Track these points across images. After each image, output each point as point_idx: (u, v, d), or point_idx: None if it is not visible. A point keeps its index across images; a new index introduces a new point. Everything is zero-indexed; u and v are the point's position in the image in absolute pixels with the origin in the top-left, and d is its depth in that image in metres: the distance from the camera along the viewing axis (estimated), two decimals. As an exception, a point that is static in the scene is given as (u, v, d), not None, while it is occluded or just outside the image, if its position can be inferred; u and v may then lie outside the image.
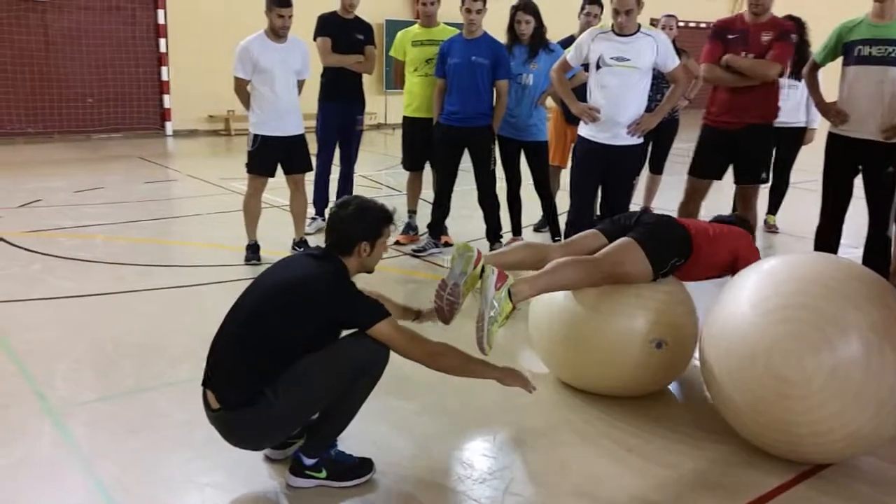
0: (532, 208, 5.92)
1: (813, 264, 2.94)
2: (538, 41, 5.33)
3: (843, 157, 4.47)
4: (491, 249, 5.55)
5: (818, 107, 4.68)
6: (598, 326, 3.27)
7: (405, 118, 5.87)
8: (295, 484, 2.70)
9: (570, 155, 5.00)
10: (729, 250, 3.52)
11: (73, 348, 3.85)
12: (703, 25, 8.70)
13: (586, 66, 4.67)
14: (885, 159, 4.34)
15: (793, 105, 5.92)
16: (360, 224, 2.66)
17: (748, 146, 4.73)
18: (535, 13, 5.31)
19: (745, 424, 2.90)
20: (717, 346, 2.90)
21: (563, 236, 5.18)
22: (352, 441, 2.89)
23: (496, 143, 5.46)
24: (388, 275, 5.22)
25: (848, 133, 4.41)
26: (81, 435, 3.02)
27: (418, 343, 2.66)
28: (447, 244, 5.87)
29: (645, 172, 6.30)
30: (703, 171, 4.95)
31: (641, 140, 4.67)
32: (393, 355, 2.68)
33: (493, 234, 5.58)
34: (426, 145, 5.65)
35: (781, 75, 4.79)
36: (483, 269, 3.03)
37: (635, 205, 5.84)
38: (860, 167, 4.46)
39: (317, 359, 2.54)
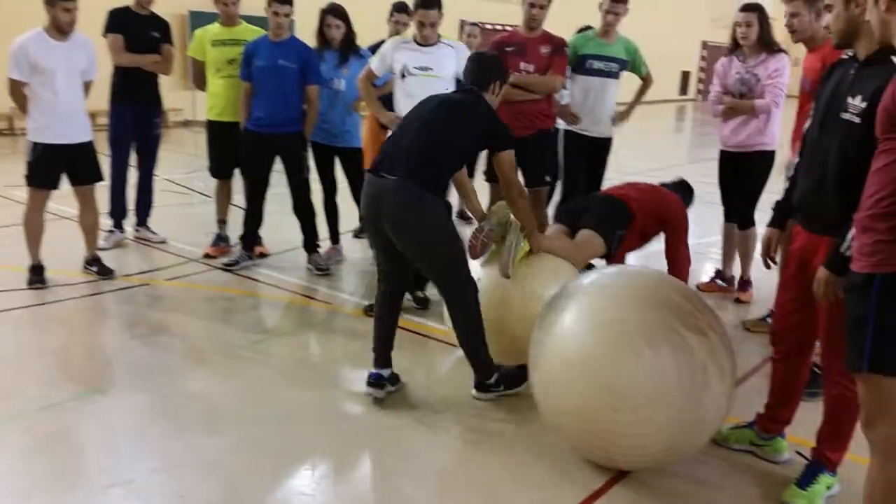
0: (350, 215, 5.76)
1: (648, 278, 3.00)
2: (348, 46, 5.18)
3: (579, 151, 5.29)
4: (309, 261, 5.34)
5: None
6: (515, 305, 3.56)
7: (209, 122, 5.50)
8: (483, 398, 3.46)
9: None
10: (659, 214, 4.28)
11: None
12: (508, 28, 8.90)
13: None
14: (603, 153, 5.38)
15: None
16: (496, 66, 3.53)
17: (535, 151, 5.01)
18: (345, 18, 5.16)
19: (570, 429, 2.91)
20: (553, 353, 2.87)
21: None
22: (156, 498, 2.61)
23: (309, 149, 5.25)
24: (197, 292, 4.87)
25: (581, 131, 5.25)
26: None
27: (517, 178, 3.54)
28: (262, 255, 5.58)
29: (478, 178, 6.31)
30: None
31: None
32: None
33: (310, 244, 5.36)
34: (234, 150, 5.32)
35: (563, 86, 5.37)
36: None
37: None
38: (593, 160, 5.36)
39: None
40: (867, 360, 2.15)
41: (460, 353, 4.00)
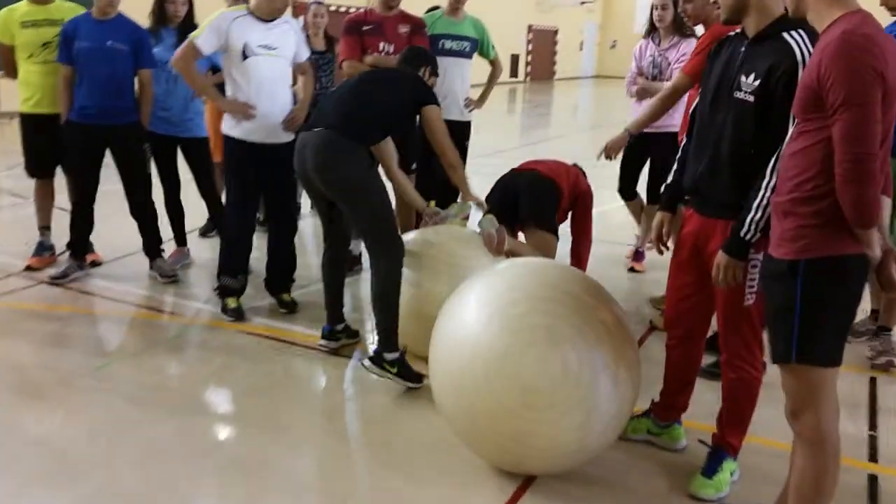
0: (196, 212, 5.24)
1: (553, 271, 2.86)
2: (189, 24, 4.65)
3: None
4: (152, 267, 4.79)
5: None
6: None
7: (24, 115, 4.78)
8: (372, 370, 3.28)
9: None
10: (576, 189, 4.46)
11: None
12: (353, 10, 8.58)
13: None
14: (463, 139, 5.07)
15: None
16: (426, 55, 3.88)
17: (400, 138, 4.79)
18: None
19: (479, 435, 2.70)
20: (461, 350, 2.65)
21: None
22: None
23: (147, 141, 4.68)
24: (21, 312, 4.21)
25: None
26: None
27: (450, 142, 3.57)
28: (95, 264, 4.95)
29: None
30: None
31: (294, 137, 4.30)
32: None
33: (153, 248, 4.81)
34: (54, 146, 4.67)
35: None
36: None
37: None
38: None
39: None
40: (795, 350, 2.09)
41: (334, 360, 3.73)
